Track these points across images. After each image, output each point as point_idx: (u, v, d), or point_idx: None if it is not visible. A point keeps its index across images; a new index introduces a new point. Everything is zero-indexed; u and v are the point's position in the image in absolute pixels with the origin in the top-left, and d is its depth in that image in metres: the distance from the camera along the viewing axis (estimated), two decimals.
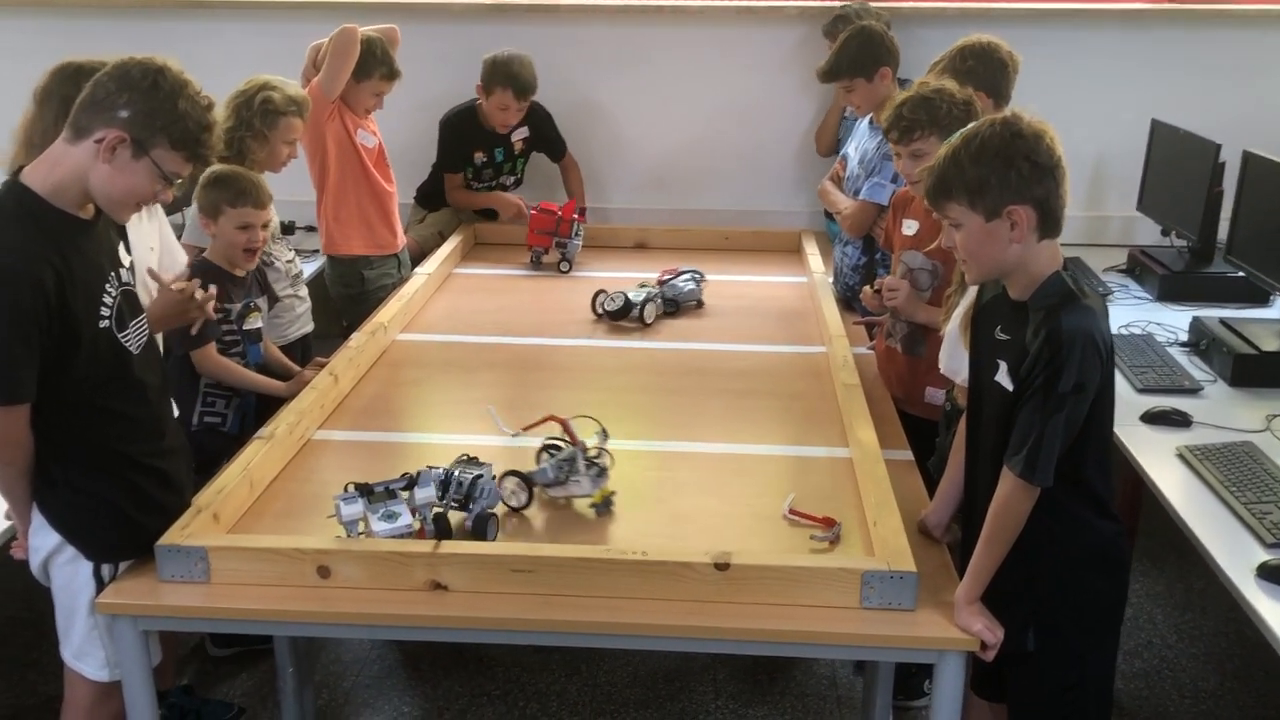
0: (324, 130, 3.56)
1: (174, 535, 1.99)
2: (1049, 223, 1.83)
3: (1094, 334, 1.78)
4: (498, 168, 4.23)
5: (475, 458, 2.24)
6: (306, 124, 3.28)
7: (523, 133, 4.21)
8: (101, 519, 2.03)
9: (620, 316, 3.32)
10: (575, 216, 3.89)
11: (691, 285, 3.47)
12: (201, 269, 2.76)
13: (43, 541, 2.06)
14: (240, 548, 1.99)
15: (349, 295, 3.71)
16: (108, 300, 1.98)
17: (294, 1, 4.35)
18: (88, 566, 2.05)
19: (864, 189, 3.25)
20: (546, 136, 4.28)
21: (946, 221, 1.89)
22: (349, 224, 3.68)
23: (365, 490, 2.07)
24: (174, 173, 1.94)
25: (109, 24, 4.34)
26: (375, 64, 3.58)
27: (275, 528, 2.17)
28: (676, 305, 3.44)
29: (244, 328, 2.87)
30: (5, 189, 1.92)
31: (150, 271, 2.54)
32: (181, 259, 2.81)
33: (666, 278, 3.49)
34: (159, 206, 2.58)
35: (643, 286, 3.41)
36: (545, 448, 2.33)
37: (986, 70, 2.95)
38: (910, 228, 2.84)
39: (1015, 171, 1.79)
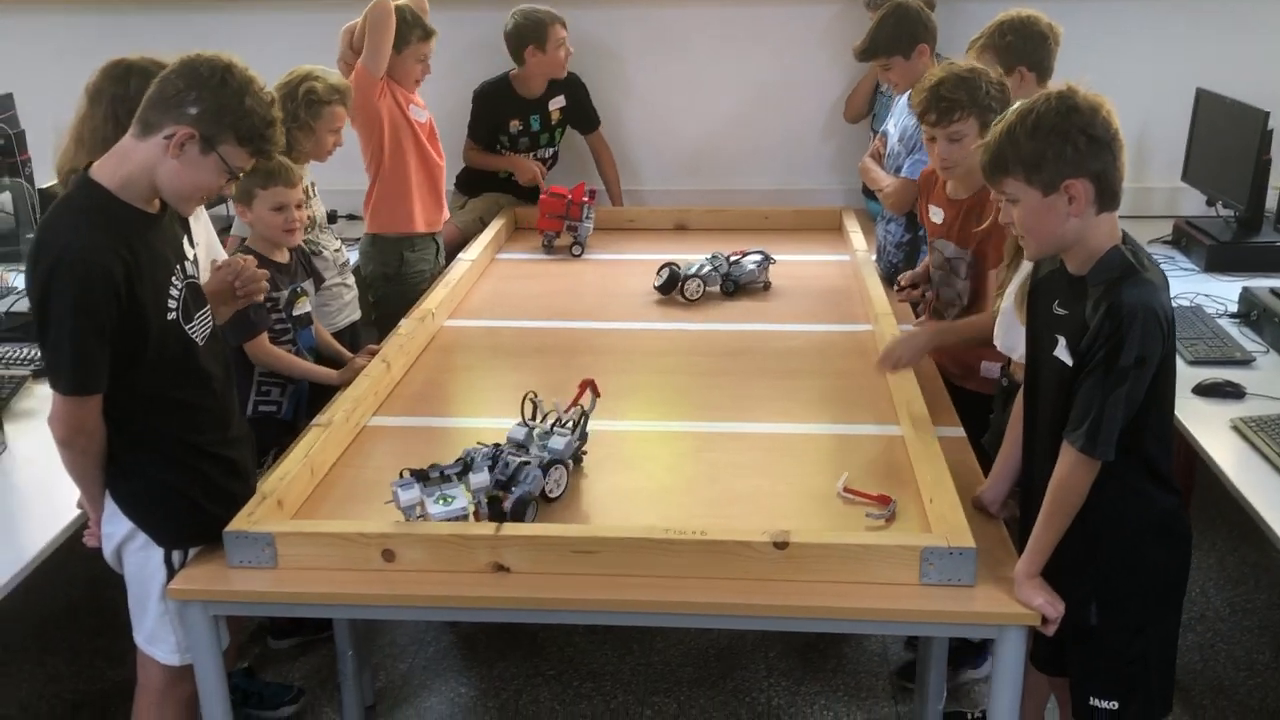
0: (378, 109, 3.57)
1: (241, 522, 2.03)
2: (1107, 196, 1.82)
3: (1155, 307, 1.78)
4: (534, 137, 4.24)
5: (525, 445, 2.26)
6: (352, 110, 3.31)
7: (559, 101, 4.23)
8: (172, 507, 2.07)
9: (668, 291, 3.36)
10: (585, 199, 3.88)
11: (754, 267, 3.45)
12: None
13: (115, 529, 2.11)
14: (306, 533, 2.02)
15: (384, 274, 3.70)
16: (174, 293, 2.02)
17: None
18: (158, 553, 2.09)
19: (905, 166, 3.24)
20: (582, 108, 4.30)
21: (1004, 197, 1.88)
22: (401, 201, 3.67)
23: (421, 476, 2.09)
24: (239, 167, 1.98)
25: (146, 18, 4.38)
26: (409, 29, 3.57)
27: (337, 513, 2.21)
28: (736, 285, 3.43)
29: (293, 314, 2.90)
30: (75, 184, 1.96)
31: (214, 262, 2.58)
32: (221, 253, 2.85)
33: (734, 258, 3.48)
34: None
35: (711, 257, 3.44)
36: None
37: (1027, 44, 2.91)
38: (937, 215, 2.82)
39: (1072, 145, 1.78)
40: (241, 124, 1.93)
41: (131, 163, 1.94)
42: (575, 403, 2.36)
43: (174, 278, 2.02)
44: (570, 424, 2.31)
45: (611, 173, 4.42)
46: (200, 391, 2.10)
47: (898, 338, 2.71)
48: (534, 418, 2.34)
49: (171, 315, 2.01)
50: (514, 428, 2.31)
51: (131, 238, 1.93)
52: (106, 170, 1.94)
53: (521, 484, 2.14)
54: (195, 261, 2.14)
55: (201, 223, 2.64)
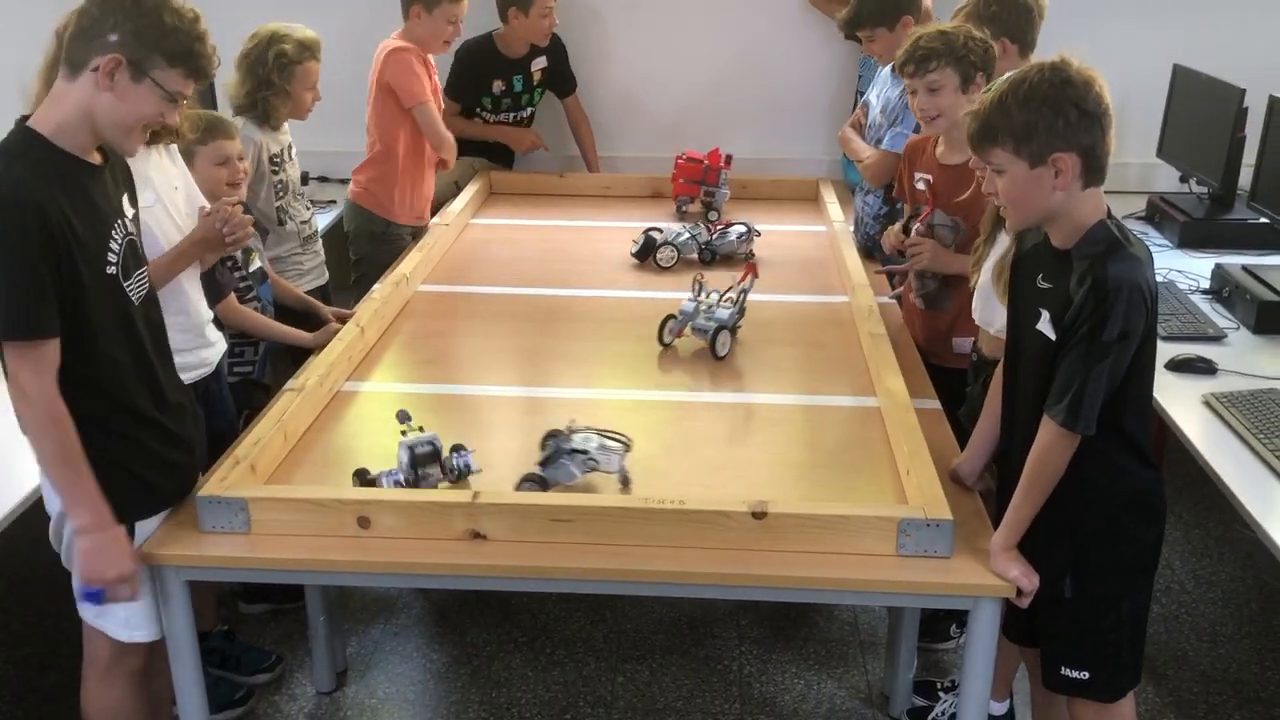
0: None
1: (214, 486, 2.00)
2: (1093, 171, 1.82)
3: (1140, 282, 1.78)
4: (516, 98, 4.19)
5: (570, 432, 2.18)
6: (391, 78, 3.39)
7: (541, 62, 4.18)
8: (115, 480, 1.96)
9: (644, 256, 3.36)
10: (722, 165, 3.83)
11: (736, 238, 3.43)
12: None
13: (55, 507, 2.02)
14: (280, 498, 2.00)
15: (370, 232, 3.66)
16: (114, 246, 1.94)
17: None
18: None
19: (886, 138, 3.22)
20: (561, 70, 4.26)
21: (989, 167, 1.87)
22: (396, 188, 3.64)
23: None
24: (177, 91, 1.90)
25: None
26: None
27: (311, 478, 2.19)
28: (714, 255, 3.42)
29: (249, 269, 2.84)
30: (11, 133, 1.88)
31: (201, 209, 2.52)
32: (203, 201, 2.78)
33: (717, 229, 3.47)
34: (176, 147, 2.55)
35: (688, 228, 3.44)
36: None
37: (1011, 15, 2.91)
38: (922, 182, 2.82)
39: (1063, 119, 1.77)
40: (166, 43, 1.85)
41: (65, 106, 1.86)
42: (740, 283, 2.80)
43: (114, 231, 1.94)
44: (732, 300, 2.77)
45: (588, 138, 4.38)
46: (136, 353, 2.00)
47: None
48: (700, 293, 2.79)
49: (111, 269, 1.93)
50: (685, 302, 2.77)
51: (69, 185, 1.85)
52: (43, 117, 1.87)
53: (552, 468, 2.12)
54: (135, 220, 2.06)
55: (179, 168, 2.56)
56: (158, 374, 2.07)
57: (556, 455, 2.11)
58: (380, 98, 3.56)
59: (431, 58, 3.67)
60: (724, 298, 2.79)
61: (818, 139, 4.38)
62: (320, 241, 3.40)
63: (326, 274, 3.40)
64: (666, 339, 2.77)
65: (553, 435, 2.17)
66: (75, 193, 1.86)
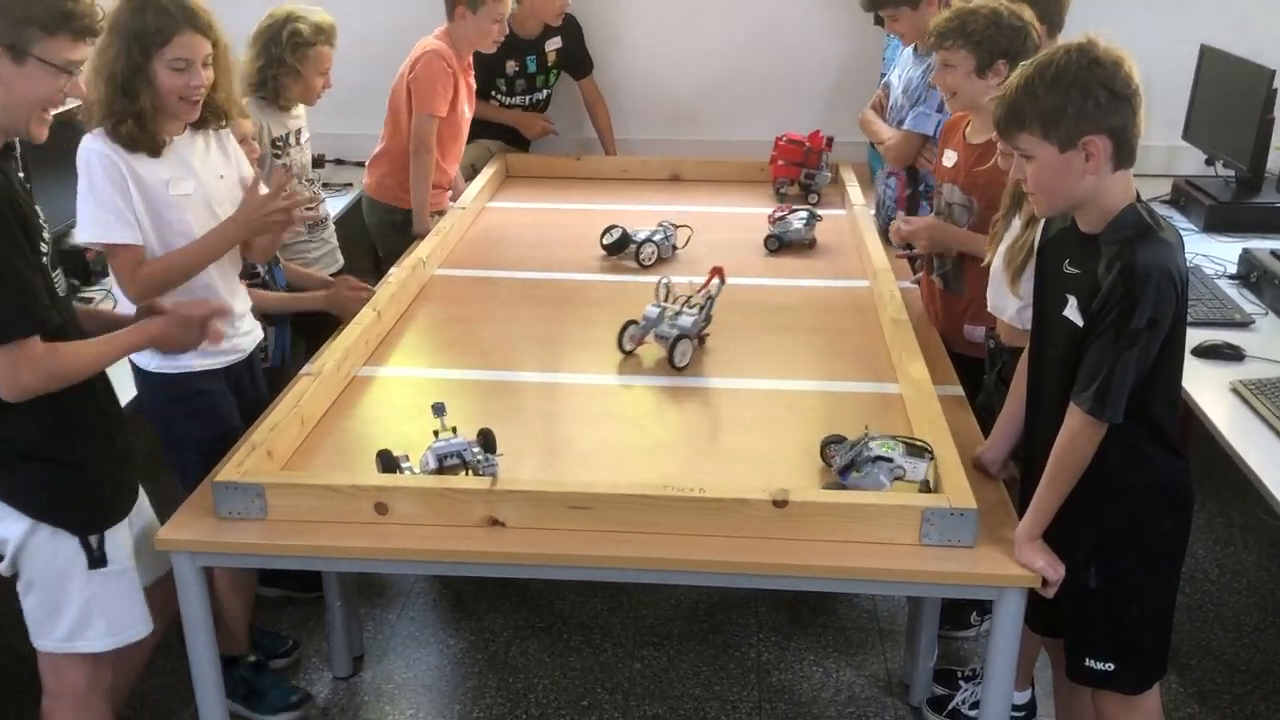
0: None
1: (231, 472, 1.99)
2: (1124, 154, 1.78)
3: (1170, 268, 1.74)
4: (530, 79, 4.15)
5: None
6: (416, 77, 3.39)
7: (555, 43, 4.14)
8: (77, 484, 1.94)
9: (617, 251, 3.25)
10: (824, 147, 3.79)
11: (800, 225, 3.37)
12: None
13: (7, 531, 1.95)
14: (298, 484, 1.99)
15: (391, 223, 3.65)
16: (45, 236, 1.92)
17: None
18: (70, 541, 1.98)
19: (908, 119, 3.18)
20: (576, 51, 4.22)
21: (1017, 152, 1.83)
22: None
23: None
24: (67, 61, 1.82)
25: None
26: None
27: (328, 464, 2.17)
28: (781, 243, 3.35)
29: None
30: None
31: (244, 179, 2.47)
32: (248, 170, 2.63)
33: (779, 215, 3.41)
34: (228, 133, 2.47)
35: (661, 225, 3.31)
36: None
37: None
38: (950, 158, 2.78)
39: (1093, 100, 1.73)
40: (36, 10, 1.75)
41: None
42: (704, 287, 2.64)
43: (41, 220, 1.92)
44: (698, 306, 2.61)
45: (604, 121, 4.34)
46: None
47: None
48: (666, 299, 2.63)
49: (45, 259, 1.90)
50: (648, 307, 2.61)
51: None
52: None
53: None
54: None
55: (229, 154, 2.47)
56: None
57: (861, 462, 2.01)
58: (405, 92, 3.54)
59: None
60: (689, 303, 2.63)
61: (839, 122, 4.32)
62: (332, 227, 3.38)
63: (340, 260, 3.38)
64: (627, 346, 2.61)
65: (835, 441, 2.11)
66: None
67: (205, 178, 2.37)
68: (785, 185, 3.85)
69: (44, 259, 1.90)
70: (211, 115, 2.36)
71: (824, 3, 4.24)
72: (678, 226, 3.33)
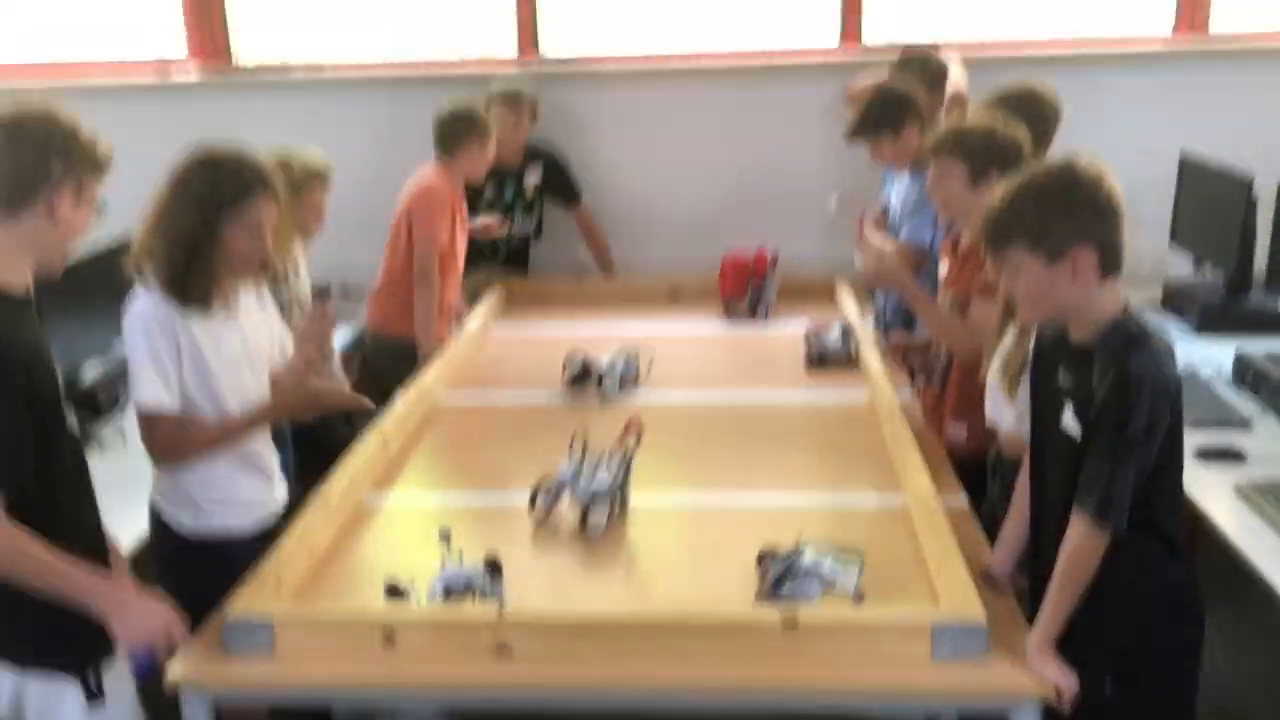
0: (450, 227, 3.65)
1: (239, 607, 1.98)
2: (1110, 264, 1.83)
3: (1163, 375, 1.78)
4: (507, 205, 4.17)
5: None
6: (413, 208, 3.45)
7: (535, 176, 4.20)
8: (72, 620, 1.89)
9: (579, 382, 3.17)
10: (769, 264, 3.88)
11: (838, 339, 3.36)
12: None
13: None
14: (306, 618, 1.99)
15: (399, 353, 3.63)
16: (59, 375, 1.95)
17: (325, 79, 4.43)
18: (72, 686, 1.94)
19: (904, 230, 3.26)
20: (560, 180, 4.28)
21: (1006, 266, 1.88)
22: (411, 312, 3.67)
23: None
24: (95, 198, 1.94)
25: (138, 107, 4.38)
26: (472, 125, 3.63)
27: (336, 595, 2.17)
28: (823, 359, 3.33)
29: None
30: None
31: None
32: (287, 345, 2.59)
33: (814, 331, 3.43)
34: (266, 291, 2.51)
35: (622, 353, 3.25)
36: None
37: (1033, 110, 2.91)
38: (943, 268, 2.84)
39: (1076, 214, 1.80)
40: (94, 158, 1.90)
41: (6, 247, 1.87)
42: (620, 443, 2.42)
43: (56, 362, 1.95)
44: (614, 464, 2.38)
45: (595, 245, 4.40)
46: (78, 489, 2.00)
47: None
48: (581, 458, 2.41)
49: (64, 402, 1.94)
50: (562, 467, 2.40)
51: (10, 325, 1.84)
52: None
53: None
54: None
55: (268, 311, 2.51)
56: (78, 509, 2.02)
57: (792, 574, 2.03)
58: (404, 225, 3.61)
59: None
60: (606, 461, 2.41)
61: (839, 241, 4.38)
62: (337, 359, 3.36)
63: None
64: (539, 513, 2.40)
65: (769, 555, 2.10)
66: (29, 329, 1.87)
67: (249, 330, 2.39)
68: (734, 303, 3.93)
69: (59, 403, 1.92)
70: (262, 269, 2.40)
71: (812, 128, 4.34)
72: (637, 356, 3.25)
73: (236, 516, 2.34)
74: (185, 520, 2.35)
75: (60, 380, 1.97)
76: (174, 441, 2.28)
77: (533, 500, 2.41)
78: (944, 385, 2.84)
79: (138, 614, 1.92)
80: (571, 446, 2.42)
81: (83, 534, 2.00)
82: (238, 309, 2.37)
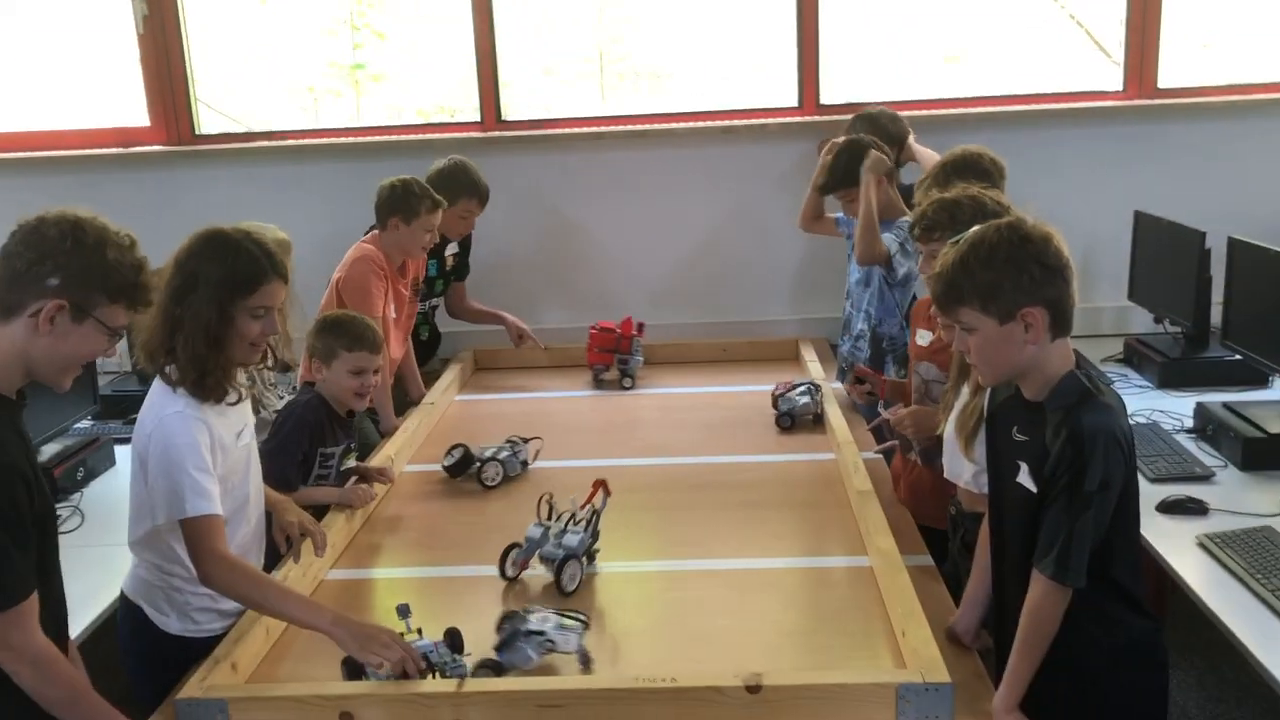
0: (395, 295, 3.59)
1: (193, 688, 1.94)
2: (1061, 323, 1.85)
3: (1115, 431, 1.79)
4: (430, 283, 4.05)
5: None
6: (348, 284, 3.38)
7: (454, 248, 4.10)
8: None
9: (458, 473, 3.07)
10: (635, 333, 3.91)
11: (806, 399, 3.41)
12: (314, 404, 2.78)
13: None
14: (261, 697, 1.95)
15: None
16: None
17: (286, 146, 4.45)
18: None
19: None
20: (465, 259, 4.19)
21: (958, 327, 1.90)
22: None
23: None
24: (120, 326, 1.85)
25: (101, 176, 4.39)
26: (417, 201, 3.51)
27: (294, 674, 2.13)
28: (792, 420, 3.38)
29: (340, 468, 2.83)
30: None
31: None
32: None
33: (780, 391, 3.45)
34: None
35: (509, 441, 3.14)
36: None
37: (976, 177, 2.96)
38: (924, 338, 2.84)
39: (1027, 275, 1.81)
40: (110, 281, 1.79)
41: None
42: (588, 502, 2.47)
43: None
44: (584, 522, 2.43)
45: (476, 318, 4.27)
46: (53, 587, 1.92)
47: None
48: (550, 517, 2.47)
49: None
50: (531, 527, 2.44)
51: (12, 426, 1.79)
52: None
53: (509, 654, 2.04)
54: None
55: (245, 408, 2.36)
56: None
57: (513, 638, 2.03)
58: (335, 298, 3.50)
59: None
60: (575, 521, 2.46)
61: (811, 300, 4.41)
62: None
63: None
64: (510, 572, 2.42)
65: (509, 617, 2.08)
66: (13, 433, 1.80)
67: (225, 437, 2.23)
68: (602, 371, 3.96)
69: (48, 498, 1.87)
70: (263, 360, 2.33)
71: (774, 190, 4.34)
72: (527, 440, 3.17)
73: (224, 620, 2.26)
74: (171, 624, 2.24)
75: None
76: (234, 570, 2.12)
77: (503, 562, 2.43)
78: (926, 456, 2.81)
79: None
80: (540, 506, 2.49)
81: (50, 603, 1.93)
82: (237, 411, 2.28)
